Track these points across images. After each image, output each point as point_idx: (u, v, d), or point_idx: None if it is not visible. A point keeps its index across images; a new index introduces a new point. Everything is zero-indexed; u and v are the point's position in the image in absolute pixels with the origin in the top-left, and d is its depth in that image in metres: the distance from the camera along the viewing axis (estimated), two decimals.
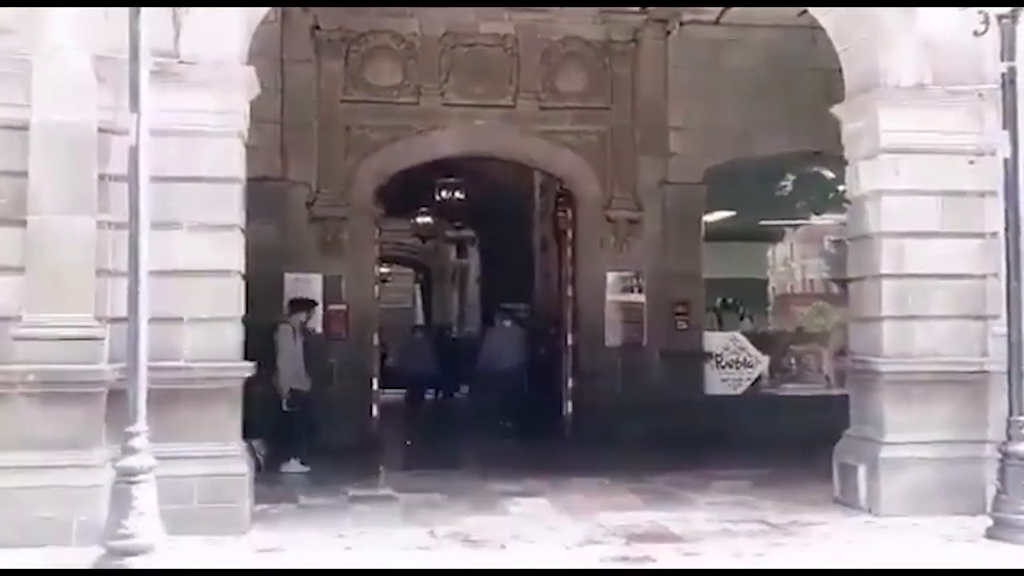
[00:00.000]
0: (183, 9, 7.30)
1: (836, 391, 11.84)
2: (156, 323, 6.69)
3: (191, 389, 7.29)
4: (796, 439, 10.02)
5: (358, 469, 10.41)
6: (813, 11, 8.90)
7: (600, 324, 13.10)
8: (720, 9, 12.55)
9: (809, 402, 12.49)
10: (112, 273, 7.09)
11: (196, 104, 7.35)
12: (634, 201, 13.14)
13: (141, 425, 6.26)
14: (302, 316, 11.21)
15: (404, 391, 17.57)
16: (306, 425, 10.73)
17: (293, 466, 10.44)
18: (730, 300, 14.99)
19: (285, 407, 10.67)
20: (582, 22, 12.94)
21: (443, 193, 17.90)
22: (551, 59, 13.05)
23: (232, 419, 7.51)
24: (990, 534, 7.18)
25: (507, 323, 15.13)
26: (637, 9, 12.76)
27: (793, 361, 14.39)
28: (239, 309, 7.64)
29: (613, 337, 13.05)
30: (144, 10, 6.27)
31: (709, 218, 13.79)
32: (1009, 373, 7.23)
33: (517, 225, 17.84)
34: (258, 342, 8.76)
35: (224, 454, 7.40)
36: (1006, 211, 7.34)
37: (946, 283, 8.21)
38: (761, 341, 13.90)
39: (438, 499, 8.92)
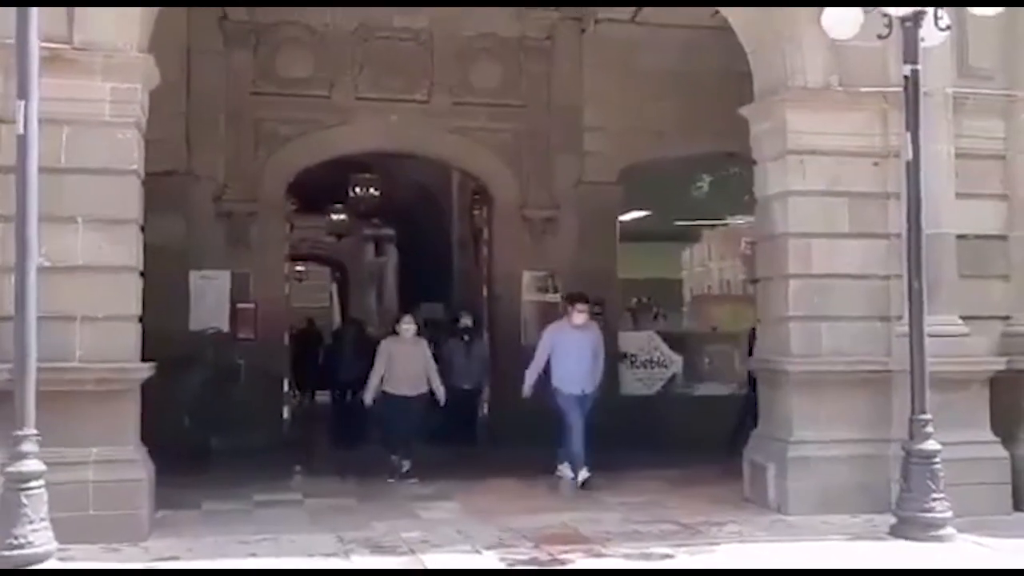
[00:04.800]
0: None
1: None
2: (48, 321, 6.44)
3: (85, 391, 7.01)
4: (709, 439, 10.08)
5: (266, 473, 10.15)
6: (724, 11, 8.96)
7: (516, 323, 13.03)
8: (635, 8, 12.58)
9: (722, 402, 12.59)
10: (2, 268, 6.74)
11: (91, 93, 7.09)
12: (549, 200, 13.13)
13: (30, 429, 6.01)
14: None
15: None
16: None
17: None
18: (645, 299, 15.08)
19: None
20: (497, 18, 12.86)
21: (357, 190, 17.68)
22: (466, 55, 12.97)
23: (129, 422, 7.26)
24: (894, 532, 7.28)
25: (580, 317, 9.75)
26: (552, 6, 12.70)
27: (707, 361, 14.53)
28: (137, 307, 7.37)
29: (529, 336, 13.00)
30: None
31: (624, 218, 13.84)
32: (912, 372, 7.34)
33: (435, 223, 17.70)
34: None
35: (121, 458, 7.13)
36: (908, 212, 7.45)
37: (852, 283, 8.32)
38: (676, 341, 13.99)
39: (347, 503, 8.77)
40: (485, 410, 13.07)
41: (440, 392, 10.20)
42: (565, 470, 9.68)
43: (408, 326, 10.35)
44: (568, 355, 9.66)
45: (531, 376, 9.79)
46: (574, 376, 9.64)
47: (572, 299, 10.03)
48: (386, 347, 10.29)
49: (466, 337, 10.93)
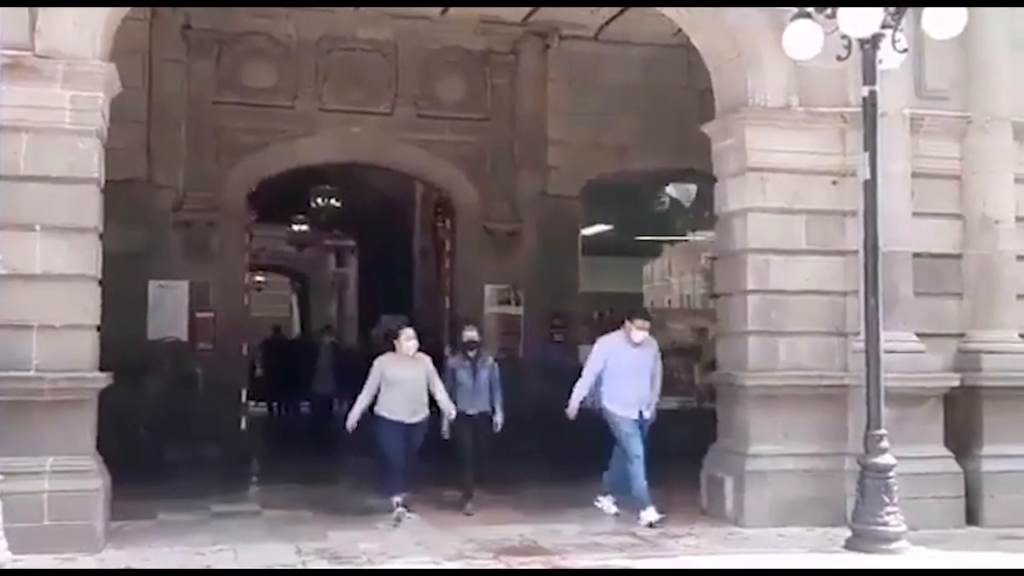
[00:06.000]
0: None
1: (708, 405, 12.05)
2: (4, 330, 6.39)
3: (42, 400, 6.92)
4: (668, 452, 10.10)
5: (223, 484, 10.06)
6: (687, 30, 9.06)
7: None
8: (599, 25, 12.68)
9: (681, 416, 12.65)
10: None
11: (52, 100, 7.04)
12: (512, 213, 13.19)
13: None
14: None
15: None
16: None
17: None
18: (607, 313, 15.12)
19: None
20: (462, 32, 12.93)
21: (319, 200, 17.63)
22: (430, 68, 13.03)
23: (85, 432, 7.17)
24: (849, 544, 7.35)
25: (640, 335, 8.75)
26: (518, 21, 12.77)
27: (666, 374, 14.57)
28: (95, 317, 7.29)
29: (491, 349, 12.99)
30: None
31: (587, 232, 13.90)
32: (867, 388, 7.43)
33: (397, 235, 17.69)
34: None
35: (77, 469, 7.04)
36: (865, 230, 7.57)
37: (809, 299, 8.45)
38: None
39: (305, 514, 8.70)
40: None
41: (450, 411, 8.78)
42: (607, 503, 8.75)
43: (411, 342, 8.78)
44: (625, 374, 8.66)
45: (579, 394, 8.76)
46: (631, 397, 8.67)
47: (632, 315, 8.92)
48: (380, 367, 8.76)
49: (471, 353, 9.15)
